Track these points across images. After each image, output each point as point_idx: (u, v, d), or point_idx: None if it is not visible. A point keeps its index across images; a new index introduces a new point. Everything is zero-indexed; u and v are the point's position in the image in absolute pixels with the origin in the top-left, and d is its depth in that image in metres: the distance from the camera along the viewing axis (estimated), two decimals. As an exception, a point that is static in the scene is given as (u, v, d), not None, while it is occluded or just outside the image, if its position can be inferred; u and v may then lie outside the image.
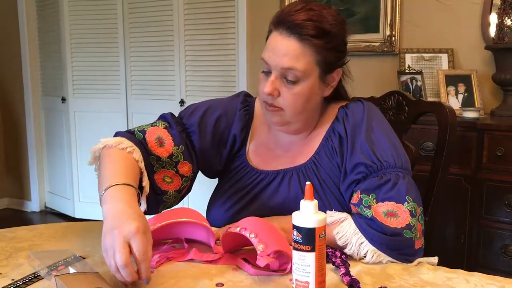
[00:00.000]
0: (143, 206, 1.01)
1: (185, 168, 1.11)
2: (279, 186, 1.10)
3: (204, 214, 1.13)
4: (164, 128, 1.11)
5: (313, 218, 0.75)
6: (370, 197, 0.97)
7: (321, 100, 1.09)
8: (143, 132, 1.10)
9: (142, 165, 1.02)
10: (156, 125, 1.12)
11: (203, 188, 1.53)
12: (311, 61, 1.00)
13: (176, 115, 1.18)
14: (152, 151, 1.07)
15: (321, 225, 0.75)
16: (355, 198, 0.99)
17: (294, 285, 0.77)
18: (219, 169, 1.18)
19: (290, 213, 0.98)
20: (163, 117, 1.16)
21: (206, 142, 1.14)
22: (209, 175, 1.21)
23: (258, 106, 1.18)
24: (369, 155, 1.01)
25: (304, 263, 0.75)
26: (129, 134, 1.08)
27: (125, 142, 1.03)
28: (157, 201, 1.07)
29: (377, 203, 0.96)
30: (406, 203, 0.95)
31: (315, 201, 0.76)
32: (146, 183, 1.02)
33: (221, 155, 1.16)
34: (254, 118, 1.18)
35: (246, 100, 1.19)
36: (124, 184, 0.90)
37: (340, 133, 1.07)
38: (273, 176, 1.11)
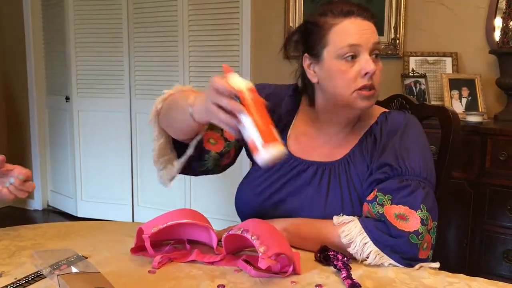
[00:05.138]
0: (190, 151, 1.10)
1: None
2: (312, 178, 1.11)
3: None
4: None
5: (236, 81, 0.85)
6: (386, 198, 0.98)
7: None
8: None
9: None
10: None
11: (206, 189, 1.54)
12: None
13: None
14: None
15: (249, 87, 0.84)
16: (371, 196, 1.01)
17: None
18: None
19: (318, 208, 1.05)
20: None
21: None
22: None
23: (304, 101, 1.21)
24: (397, 158, 1.02)
25: (245, 126, 0.81)
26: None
27: (186, 87, 1.12)
28: (199, 158, 1.13)
29: (390, 205, 0.97)
30: (420, 210, 0.96)
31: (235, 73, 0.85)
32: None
33: None
34: (300, 109, 1.20)
35: (296, 90, 1.22)
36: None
37: (375, 135, 1.09)
38: (307, 165, 1.12)
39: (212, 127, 1.13)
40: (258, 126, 0.81)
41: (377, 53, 1.06)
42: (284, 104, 1.20)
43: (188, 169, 1.15)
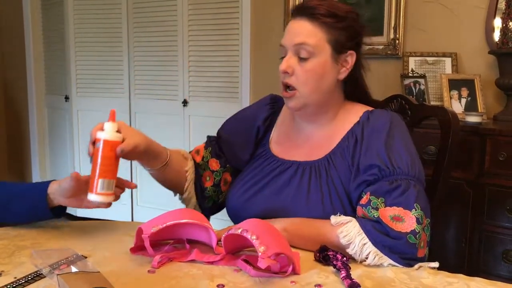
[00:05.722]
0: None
1: (213, 164, 1.26)
2: (291, 178, 1.12)
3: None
4: (203, 143, 1.31)
5: (105, 130, 1.02)
6: (379, 200, 0.98)
7: (336, 84, 1.13)
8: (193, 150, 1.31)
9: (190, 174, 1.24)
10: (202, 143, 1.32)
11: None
12: (322, 38, 1.07)
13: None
14: (195, 160, 1.27)
15: (99, 137, 0.99)
16: (364, 200, 1.01)
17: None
18: (247, 158, 1.24)
19: (298, 207, 1.05)
20: None
21: (233, 137, 1.26)
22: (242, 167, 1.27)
23: None
24: (384, 159, 1.02)
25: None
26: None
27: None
28: (203, 196, 1.26)
29: (385, 207, 0.97)
30: (414, 210, 0.96)
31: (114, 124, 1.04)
32: (189, 167, 1.24)
33: (247, 147, 1.24)
34: (282, 111, 1.26)
35: (275, 98, 1.28)
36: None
37: (357, 135, 1.09)
38: (288, 165, 1.14)
39: (204, 167, 1.25)
40: (91, 173, 0.99)
41: (303, 56, 1.07)
42: (263, 112, 1.25)
43: (204, 210, 1.28)
